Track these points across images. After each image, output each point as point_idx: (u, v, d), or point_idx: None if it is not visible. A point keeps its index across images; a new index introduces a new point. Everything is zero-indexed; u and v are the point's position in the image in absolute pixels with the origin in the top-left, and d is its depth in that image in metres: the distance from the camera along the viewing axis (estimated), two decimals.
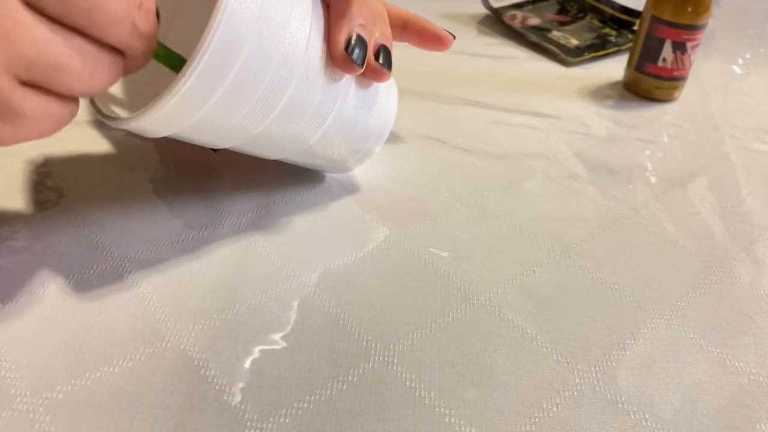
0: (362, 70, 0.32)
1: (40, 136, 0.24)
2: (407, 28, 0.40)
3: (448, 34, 0.40)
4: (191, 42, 0.33)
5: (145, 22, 0.24)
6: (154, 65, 0.29)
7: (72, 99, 0.25)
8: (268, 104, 0.29)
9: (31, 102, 0.23)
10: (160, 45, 0.28)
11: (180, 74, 0.26)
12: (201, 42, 0.25)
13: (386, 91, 0.36)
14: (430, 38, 0.40)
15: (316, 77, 0.30)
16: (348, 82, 0.33)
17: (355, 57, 0.31)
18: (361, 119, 0.35)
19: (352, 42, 0.31)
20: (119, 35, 0.24)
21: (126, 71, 0.26)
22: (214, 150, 0.40)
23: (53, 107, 0.24)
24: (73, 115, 0.25)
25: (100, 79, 0.24)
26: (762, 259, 0.38)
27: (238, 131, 0.30)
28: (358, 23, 0.31)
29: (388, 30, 0.34)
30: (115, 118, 0.29)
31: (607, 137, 0.49)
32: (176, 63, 0.29)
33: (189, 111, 0.27)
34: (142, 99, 0.33)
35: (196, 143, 0.32)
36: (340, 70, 0.31)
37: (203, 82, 0.26)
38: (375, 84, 0.35)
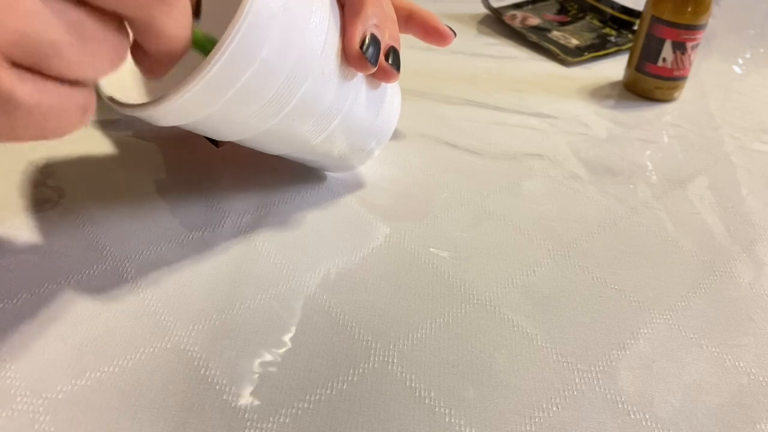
0: (375, 70, 0.32)
1: (44, 132, 0.21)
2: (411, 20, 0.40)
3: (449, 30, 0.40)
4: (211, 28, 0.33)
5: None
6: None
7: (77, 87, 0.22)
8: (284, 98, 0.29)
9: (26, 87, 0.20)
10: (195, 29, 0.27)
11: (203, 64, 0.25)
12: (227, 33, 0.25)
13: (392, 92, 0.37)
14: (431, 32, 0.40)
15: (330, 74, 0.30)
16: (359, 81, 0.33)
17: (369, 56, 0.31)
18: (368, 119, 0.35)
19: (367, 41, 0.31)
20: (136, 5, 0.21)
21: (158, 66, 0.24)
22: (216, 145, 0.40)
23: (52, 95, 0.21)
24: (85, 108, 0.22)
25: (103, 62, 0.22)
26: (762, 259, 0.38)
27: (250, 124, 0.30)
28: (372, 23, 0.31)
29: (397, 32, 0.34)
30: (129, 105, 0.28)
31: (607, 137, 0.49)
32: (207, 45, 0.27)
33: (207, 102, 0.27)
34: (152, 85, 0.33)
35: (203, 134, 0.32)
36: (353, 69, 0.32)
37: (225, 73, 0.26)
38: (383, 85, 0.35)
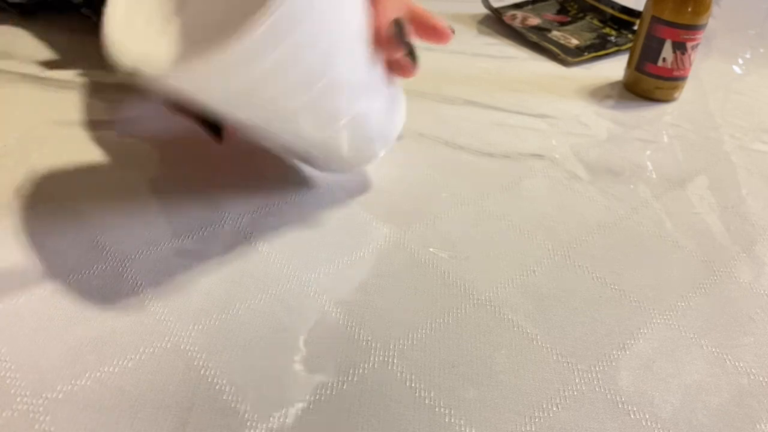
0: (404, 52, 0.33)
1: None
2: (408, 19, 0.40)
3: (447, 28, 0.40)
4: (206, 20, 0.33)
5: None
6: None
7: None
8: (317, 72, 0.29)
9: None
10: None
11: (257, 16, 0.24)
12: None
13: (400, 98, 0.38)
14: (429, 31, 0.40)
15: (359, 61, 0.31)
16: (381, 79, 0.34)
17: (397, 39, 0.32)
18: (381, 118, 0.36)
19: (396, 26, 0.32)
20: None
21: None
22: (219, 137, 0.39)
23: None
24: None
25: None
26: (762, 259, 0.38)
27: (276, 101, 0.29)
28: (396, 7, 0.33)
29: (411, 28, 0.35)
30: (163, 74, 0.26)
31: (607, 137, 0.49)
32: None
33: (249, 64, 0.26)
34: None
35: (223, 116, 0.31)
36: (384, 50, 0.33)
37: (274, 32, 0.25)
38: (397, 87, 0.37)
